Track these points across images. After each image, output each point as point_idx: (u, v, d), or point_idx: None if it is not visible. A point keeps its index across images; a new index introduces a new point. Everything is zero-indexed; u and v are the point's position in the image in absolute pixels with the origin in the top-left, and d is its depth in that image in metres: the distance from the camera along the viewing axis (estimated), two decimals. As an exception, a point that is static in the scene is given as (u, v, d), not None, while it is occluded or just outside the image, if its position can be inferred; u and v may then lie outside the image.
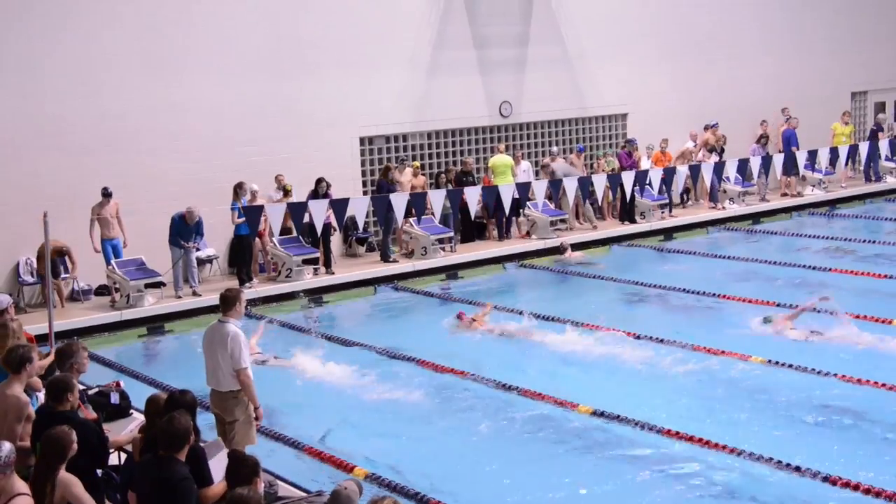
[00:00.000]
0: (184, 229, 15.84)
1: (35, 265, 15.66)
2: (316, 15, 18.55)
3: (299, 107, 18.37)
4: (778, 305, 14.19)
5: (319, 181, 17.34)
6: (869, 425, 10.08)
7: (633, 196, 19.84)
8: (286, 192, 17.24)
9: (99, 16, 16.46)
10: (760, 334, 13.09)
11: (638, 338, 13.05)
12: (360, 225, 18.23)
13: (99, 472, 7.30)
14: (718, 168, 19.86)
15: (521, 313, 14.59)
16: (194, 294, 15.86)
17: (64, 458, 6.39)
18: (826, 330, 12.82)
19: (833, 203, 22.95)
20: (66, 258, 15.56)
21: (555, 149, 21.18)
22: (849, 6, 25.94)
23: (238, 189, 16.43)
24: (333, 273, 17.36)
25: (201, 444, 6.90)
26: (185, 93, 17.20)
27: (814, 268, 16.68)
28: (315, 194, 17.18)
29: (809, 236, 19.71)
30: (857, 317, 13.26)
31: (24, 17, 15.85)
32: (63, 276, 15.69)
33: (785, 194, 23.00)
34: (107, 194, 15.76)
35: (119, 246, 15.93)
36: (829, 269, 16.46)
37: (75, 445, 6.46)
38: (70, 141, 16.23)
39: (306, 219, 16.49)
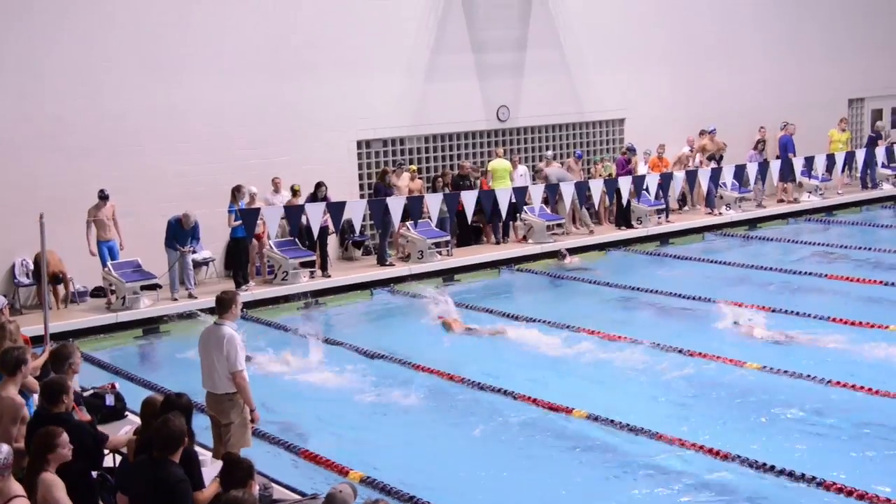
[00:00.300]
0: (180, 233, 15.82)
1: (31, 266, 15.64)
2: (314, 17, 18.54)
3: (298, 109, 18.35)
4: (773, 311, 14.24)
5: (319, 185, 17.34)
6: (864, 430, 10.11)
7: (629, 201, 19.86)
8: (294, 193, 17.25)
9: (98, 16, 16.47)
10: (746, 338, 13.19)
11: (632, 342, 13.06)
12: (357, 228, 18.27)
13: (94, 473, 7.31)
14: (715, 174, 19.88)
15: (515, 317, 14.61)
16: (190, 296, 15.86)
17: (46, 457, 6.32)
18: (804, 332, 12.92)
19: (829, 209, 22.99)
20: (62, 283, 15.51)
21: (549, 153, 21.18)
22: (846, 14, 25.95)
23: (236, 192, 16.41)
24: (330, 276, 17.35)
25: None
26: (185, 94, 17.20)
27: (809, 273, 16.70)
28: (314, 198, 17.19)
29: (805, 242, 19.74)
30: (854, 323, 13.32)
31: (23, 17, 15.85)
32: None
33: (781, 200, 23.01)
34: (103, 196, 15.73)
35: (115, 248, 15.89)
36: (825, 275, 16.48)
37: (68, 451, 6.41)
38: (69, 142, 16.21)
39: (303, 221, 16.48)
